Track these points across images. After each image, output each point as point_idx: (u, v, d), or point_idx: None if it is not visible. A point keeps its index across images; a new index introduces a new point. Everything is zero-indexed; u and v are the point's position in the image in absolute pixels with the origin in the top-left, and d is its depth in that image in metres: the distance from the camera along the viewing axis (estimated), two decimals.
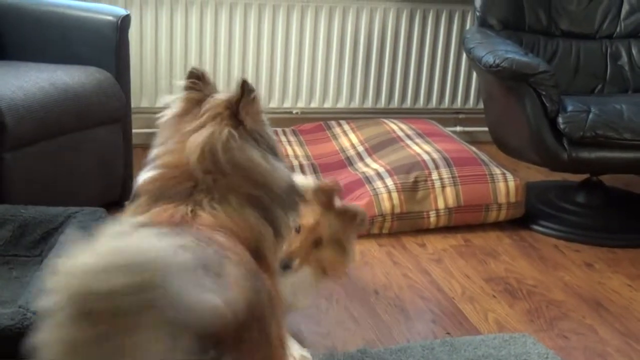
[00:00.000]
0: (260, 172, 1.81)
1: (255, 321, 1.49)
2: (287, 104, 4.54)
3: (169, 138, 1.87)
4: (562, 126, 3.42)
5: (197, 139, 1.80)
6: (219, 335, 1.35)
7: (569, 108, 3.46)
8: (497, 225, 3.63)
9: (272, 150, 1.88)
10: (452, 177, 3.56)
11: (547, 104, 3.45)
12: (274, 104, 4.50)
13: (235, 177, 1.77)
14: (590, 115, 3.42)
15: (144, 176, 1.81)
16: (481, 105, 4.21)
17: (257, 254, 1.70)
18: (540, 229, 3.66)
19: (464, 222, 3.58)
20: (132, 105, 3.65)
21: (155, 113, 4.78)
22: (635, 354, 2.65)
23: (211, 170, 1.75)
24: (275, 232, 1.82)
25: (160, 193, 1.76)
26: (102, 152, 3.26)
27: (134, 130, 3.62)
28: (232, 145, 1.79)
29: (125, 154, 3.40)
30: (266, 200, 1.80)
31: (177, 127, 1.88)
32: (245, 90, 1.85)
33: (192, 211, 1.66)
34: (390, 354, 2.50)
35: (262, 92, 4.45)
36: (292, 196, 1.90)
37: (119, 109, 3.26)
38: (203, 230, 1.59)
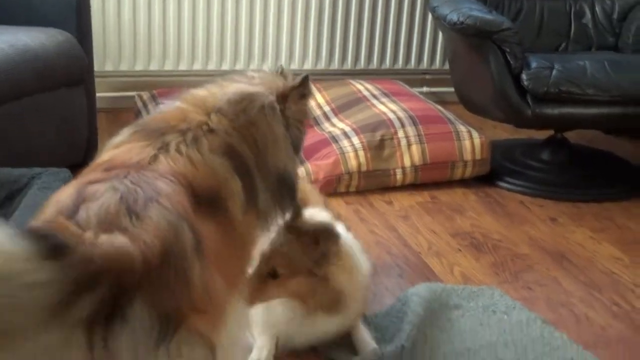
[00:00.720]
0: (268, 143, 1.89)
1: (172, 265, 1.51)
2: (253, 66, 4.51)
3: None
4: (525, 83, 3.45)
5: (242, 87, 1.93)
6: (125, 275, 1.40)
7: (533, 65, 3.48)
8: (463, 182, 3.65)
9: (295, 145, 1.98)
10: (418, 135, 3.57)
11: (511, 61, 3.47)
12: (239, 66, 4.47)
13: (239, 131, 1.85)
14: (554, 72, 3.44)
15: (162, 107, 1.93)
16: (447, 66, 4.21)
17: (216, 203, 1.73)
18: (506, 185, 3.70)
19: (430, 179, 3.60)
20: (96, 69, 3.61)
21: (119, 77, 4.78)
22: (598, 303, 2.70)
23: (226, 114, 1.85)
24: (250, 199, 1.84)
25: (143, 128, 1.84)
26: (65, 114, 3.23)
27: (98, 94, 3.59)
28: (267, 111, 1.90)
29: (90, 116, 3.37)
30: (251, 166, 1.86)
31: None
32: (304, 84, 1.96)
33: (153, 155, 1.71)
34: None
35: (227, 54, 4.43)
36: (283, 186, 1.95)
37: (81, 71, 3.22)
38: (148, 175, 1.63)
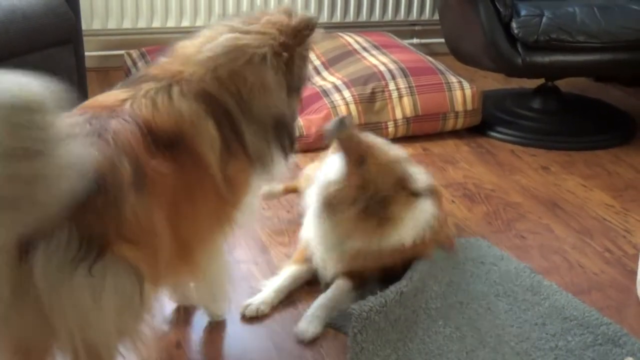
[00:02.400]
0: (255, 91, 1.93)
1: (103, 194, 1.60)
2: None
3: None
4: (516, 31, 3.44)
5: (230, 40, 1.94)
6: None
7: (523, 13, 3.47)
8: (455, 134, 3.66)
9: (296, 89, 2.04)
10: (409, 87, 3.57)
11: (501, 9, 3.46)
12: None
13: (219, 80, 1.91)
14: (544, 19, 3.43)
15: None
16: (437, 17, 4.20)
17: (179, 144, 1.82)
18: (497, 135, 3.71)
19: (422, 131, 3.61)
20: (84, 28, 3.58)
21: (108, 35, 4.74)
22: (589, 249, 2.73)
23: (205, 65, 1.91)
24: (234, 144, 1.92)
25: (130, 79, 2.00)
26: (55, 74, 3.18)
27: (87, 53, 3.56)
28: (255, 62, 1.92)
29: (79, 76, 3.35)
30: (234, 112, 1.92)
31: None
32: (310, 27, 1.97)
33: (122, 99, 1.83)
34: None
35: (215, 9, 4.39)
36: (280, 129, 2.00)
37: (69, 29, 3.19)
38: (105, 114, 1.75)
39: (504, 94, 4.13)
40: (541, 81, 3.94)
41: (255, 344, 2.20)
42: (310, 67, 2.11)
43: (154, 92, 1.86)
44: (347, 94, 3.51)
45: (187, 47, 2.00)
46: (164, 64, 1.98)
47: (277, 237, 2.73)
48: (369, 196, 2.31)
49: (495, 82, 4.34)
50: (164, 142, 1.80)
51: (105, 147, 1.66)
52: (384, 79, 3.58)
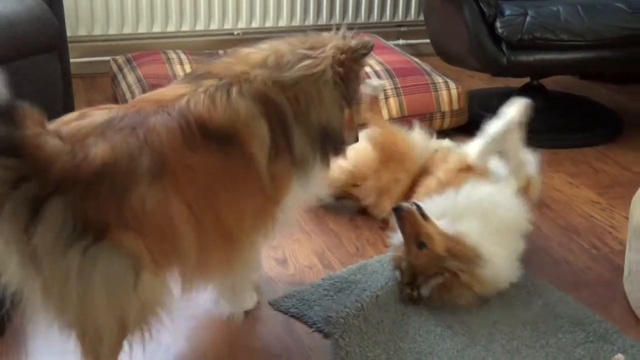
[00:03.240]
0: (313, 103, 2.07)
1: (109, 181, 1.73)
2: (228, 25, 4.49)
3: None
4: (500, 30, 3.46)
5: (295, 54, 2.08)
6: (49, 175, 1.67)
7: (507, 12, 3.49)
8: (442, 134, 3.65)
9: (348, 104, 2.16)
10: (395, 88, 3.58)
11: (485, 9, 3.48)
12: (214, 26, 4.45)
13: (280, 85, 2.03)
14: (528, 19, 3.45)
15: None
16: (422, 18, 4.21)
17: (231, 140, 1.94)
18: None
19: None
20: (69, 34, 3.59)
21: (93, 41, 4.72)
22: (576, 246, 2.75)
23: (270, 70, 2.04)
24: (282, 145, 2.05)
25: (192, 74, 2.13)
26: (41, 81, 3.19)
27: (73, 60, 3.56)
28: (317, 78, 2.06)
29: (65, 83, 3.35)
30: (289, 116, 2.05)
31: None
32: (366, 48, 2.13)
33: (181, 94, 1.96)
34: (352, 273, 2.53)
35: (201, 14, 4.40)
36: (326, 139, 2.13)
37: (54, 36, 3.18)
38: (150, 109, 1.89)
39: (490, 93, 4.14)
40: (527, 80, 3.96)
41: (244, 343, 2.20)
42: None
43: (213, 90, 1.98)
44: None
45: (253, 52, 2.12)
46: (228, 63, 2.09)
47: (271, 252, 2.68)
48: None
49: (481, 81, 4.36)
50: (215, 137, 1.92)
51: (131, 140, 1.79)
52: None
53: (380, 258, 2.57)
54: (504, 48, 3.49)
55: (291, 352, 2.18)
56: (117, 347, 1.87)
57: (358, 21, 4.73)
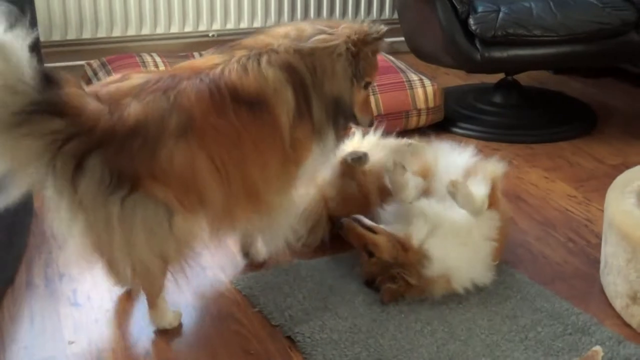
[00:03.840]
0: (327, 73, 2.29)
1: (141, 138, 1.99)
2: (203, 27, 4.48)
3: None
4: (473, 27, 3.48)
5: (315, 31, 2.33)
6: (90, 133, 1.94)
7: (479, 9, 3.51)
8: (419, 131, 3.68)
9: (358, 81, 2.37)
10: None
11: (458, 6, 3.50)
12: (188, 28, 4.43)
13: (301, 55, 2.27)
14: (500, 15, 3.48)
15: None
16: (397, 16, 4.22)
17: (260, 105, 2.19)
18: (460, 131, 3.74)
19: (386, 130, 3.61)
20: (43, 40, 3.56)
21: (67, 46, 4.69)
22: (553, 240, 2.77)
23: (292, 43, 2.28)
24: (304, 110, 2.28)
25: (224, 46, 2.35)
26: None
27: (47, 65, 3.53)
28: (331, 52, 2.29)
29: None
30: (308, 84, 2.28)
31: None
32: (378, 33, 2.35)
33: (215, 64, 2.21)
34: (324, 263, 2.58)
35: (175, 17, 4.39)
36: (337, 109, 2.35)
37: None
38: (185, 75, 2.15)
39: (465, 90, 4.17)
40: (501, 76, 3.99)
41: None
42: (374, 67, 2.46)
43: (245, 59, 2.22)
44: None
45: (279, 28, 2.39)
46: (257, 37, 2.34)
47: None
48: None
49: (456, 78, 4.38)
50: (245, 101, 2.17)
51: (162, 102, 2.05)
52: None
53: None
54: (477, 44, 3.51)
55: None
56: (162, 277, 2.20)
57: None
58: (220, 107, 2.13)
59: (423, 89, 3.65)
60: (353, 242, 2.47)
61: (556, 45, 3.55)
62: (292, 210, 2.46)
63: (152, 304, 2.25)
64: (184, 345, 2.20)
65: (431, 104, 3.66)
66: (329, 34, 2.32)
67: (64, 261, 2.59)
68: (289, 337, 2.21)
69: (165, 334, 2.23)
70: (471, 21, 3.49)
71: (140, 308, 2.34)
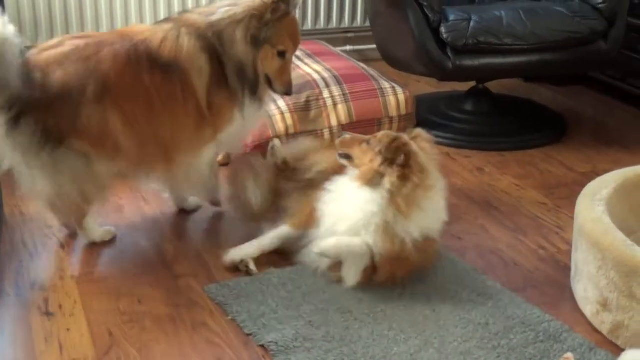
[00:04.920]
0: (228, 41, 2.63)
1: (66, 101, 2.46)
2: None
3: None
4: (445, 35, 3.50)
5: (224, 6, 2.68)
6: (28, 97, 2.40)
7: (451, 17, 3.53)
8: None
9: (261, 45, 2.66)
10: (343, 95, 3.60)
11: (430, 15, 3.52)
12: None
13: (213, 29, 2.63)
14: (472, 23, 3.50)
15: None
16: (369, 24, 4.24)
17: (174, 68, 2.58)
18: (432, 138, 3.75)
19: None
20: None
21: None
22: (524, 247, 2.79)
23: (208, 18, 2.66)
24: (221, 76, 2.64)
25: (162, 19, 2.94)
26: None
27: None
28: (233, 22, 2.62)
29: None
30: (220, 53, 2.63)
31: None
32: (288, 5, 2.64)
33: (142, 31, 2.63)
34: (297, 272, 2.57)
35: (147, 20, 4.36)
36: (242, 74, 2.66)
37: None
38: (112, 42, 2.58)
39: (437, 98, 4.19)
40: (472, 84, 4.01)
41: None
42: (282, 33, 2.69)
43: (168, 29, 2.62)
44: (281, 103, 3.51)
45: (204, 8, 2.78)
46: (184, 14, 2.73)
47: (217, 250, 2.71)
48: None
49: (428, 86, 4.41)
50: (160, 65, 2.56)
51: (82, 69, 2.48)
52: (318, 87, 3.61)
53: None
54: (449, 53, 3.53)
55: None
56: (87, 207, 2.68)
57: (305, 28, 4.74)
58: (136, 69, 2.53)
59: (395, 96, 3.67)
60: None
61: (526, 54, 3.59)
62: (206, 169, 2.79)
63: (80, 226, 2.71)
64: (158, 355, 2.18)
65: (403, 112, 3.68)
66: (234, 4, 2.64)
67: (35, 270, 2.58)
68: (262, 346, 2.21)
69: (139, 342, 2.22)
70: (443, 30, 3.51)
71: (115, 319, 2.33)
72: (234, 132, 2.78)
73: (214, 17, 2.64)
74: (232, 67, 2.65)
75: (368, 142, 2.51)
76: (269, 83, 2.75)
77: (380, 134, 2.51)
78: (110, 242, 2.77)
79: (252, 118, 2.81)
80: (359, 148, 2.52)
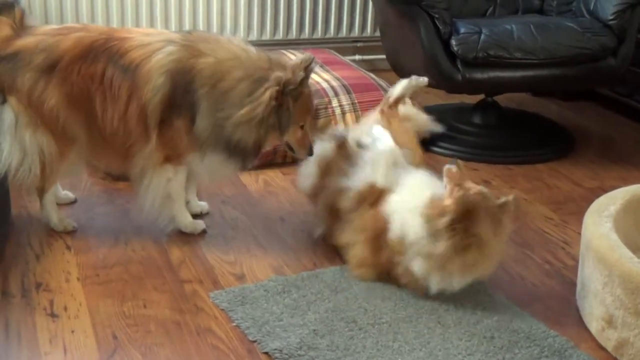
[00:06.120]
0: (234, 124, 2.59)
1: (10, 66, 2.62)
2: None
3: None
4: (455, 48, 3.50)
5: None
6: None
7: (462, 30, 3.54)
8: None
9: (282, 128, 2.62)
10: (352, 104, 3.61)
11: (440, 27, 3.52)
12: None
13: (214, 105, 2.58)
14: (482, 37, 3.51)
15: None
16: (379, 33, 4.25)
17: (133, 73, 2.61)
18: (440, 150, 3.77)
19: None
20: None
21: None
22: (530, 262, 2.79)
23: (216, 88, 2.58)
24: (180, 109, 2.61)
25: (184, 32, 2.89)
26: None
27: None
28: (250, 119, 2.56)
29: None
30: (199, 107, 2.59)
31: None
32: (301, 82, 2.57)
33: (140, 33, 2.70)
34: (301, 280, 2.58)
35: (157, 26, 4.38)
36: (237, 148, 2.62)
37: None
38: (98, 35, 2.68)
39: (445, 109, 4.19)
40: (481, 96, 4.02)
41: None
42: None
43: (159, 40, 2.64)
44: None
45: (220, 53, 2.63)
46: (198, 42, 2.65)
47: (222, 255, 2.73)
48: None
49: (436, 97, 4.41)
50: (120, 67, 2.60)
51: (45, 42, 2.61)
52: (327, 95, 3.61)
53: (336, 269, 2.61)
54: (458, 65, 3.54)
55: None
56: (43, 185, 2.79)
57: (315, 36, 4.76)
58: (91, 60, 2.60)
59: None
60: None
61: (536, 68, 3.59)
62: (160, 190, 2.75)
63: (40, 203, 2.84)
64: (162, 359, 2.18)
65: None
66: (253, 102, 2.53)
67: (40, 271, 2.58)
68: (266, 353, 2.20)
69: (144, 345, 2.22)
70: (453, 42, 3.51)
71: (120, 322, 2.33)
72: (193, 169, 2.76)
73: (225, 112, 2.57)
74: (217, 134, 2.60)
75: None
76: (290, 148, 2.74)
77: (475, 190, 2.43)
78: (115, 245, 2.77)
79: (222, 171, 2.77)
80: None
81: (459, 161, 2.55)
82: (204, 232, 2.87)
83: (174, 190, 2.76)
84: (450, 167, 2.49)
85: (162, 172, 2.72)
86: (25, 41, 2.62)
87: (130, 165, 2.73)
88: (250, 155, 2.66)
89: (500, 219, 2.41)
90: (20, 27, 2.68)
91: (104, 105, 2.64)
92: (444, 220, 2.35)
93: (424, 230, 2.39)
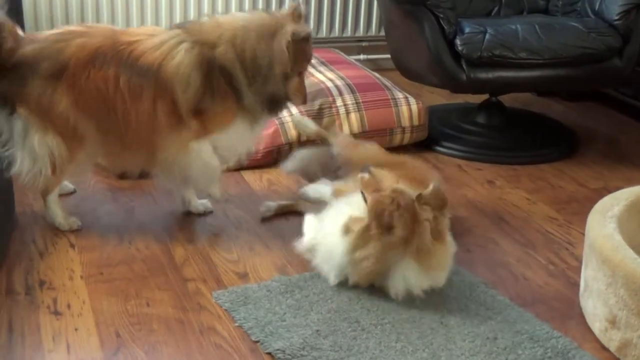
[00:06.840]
0: (262, 76, 2.71)
1: (17, 74, 2.61)
2: None
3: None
4: (460, 47, 3.50)
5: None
6: None
7: (466, 30, 3.53)
8: (402, 148, 3.70)
9: (292, 72, 2.73)
10: (356, 103, 3.61)
11: (445, 26, 3.52)
12: None
13: (241, 62, 2.69)
14: (487, 36, 3.50)
15: None
16: (383, 33, 4.24)
17: (150, 74, 2.66)
18: (444, 150, 3.76)
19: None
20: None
21: None
22: (533, 262, 2.79)
23: (238, 48, 2.70)
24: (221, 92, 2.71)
25: (184, 22, 3.05)
26: None
27: None
28: (271, 64, 2.69)
29: None
30: (237, 80, 2.70)
31: None
32: (307, 35, 2.73)
33: (146, 33, 2.74)
34: (304, 280, 2.58)
35: (162, 24, 4.38)
36: (273, 100, 2.77)
37: None
38: (91, 34, 2.72)
39: (449, 109, 4.19)
40: (485, 96, 4.01)
41: None
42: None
43: (169, 38, 2.70)
44: (294, 110, 3.52)
45: (226, 26, 2.72)
46: (200, 26, 2.76)
47: (226, 254, 2.73)
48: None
49: (441, 97, 4.41)
50: (135, 69, 2.65)
51: (48, 48, 2.64)
52: (331, 94, 3.61)
53: None
54: (463, 65, 3.53)
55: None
56: (47, 186, 2.81)
57: (319, 36, 4.75)
58: (100, 64, 2.64)
59: (408, 107, 3.67)
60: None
61: (541, 68, 3.58)
62: (195, 165, 2.81)
63: (44, 202, 2.86)
64: (165, 357, 2.19)
65: (415, 122, 3.68)
66: (271, 51, 2.66)
67: (44, 269, 2.58)
68: (269, 354, 2.21)
69: (147, 344, 2.22)
70: (458, 42, 3.51)
71: (123, 321, 2.34)
72: (235, 136, 2.83)
73: (251, 62, 2.69)
74: (260, 97, 2.74)
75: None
76: (286, 97, 2.82)
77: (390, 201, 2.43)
78: (119, 243, 2.77)
79: (259, 128, 2.92)
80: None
81: (371, 168, 2.58)
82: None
83: (208, 157, 2.83)
84: (363, 176, 2.52)
85: (195, 148, 2.77)
86: (27, 50, 2.63)
87: (154, 157, 2.78)
88: (283, 104, 2.84)
89: (418, 213, 2.42)
90: (17, 37, 2.68)
91: (125, 107, 2.68)
92: (361, 226, 2.39)
93: (348, 244, 2.42)
